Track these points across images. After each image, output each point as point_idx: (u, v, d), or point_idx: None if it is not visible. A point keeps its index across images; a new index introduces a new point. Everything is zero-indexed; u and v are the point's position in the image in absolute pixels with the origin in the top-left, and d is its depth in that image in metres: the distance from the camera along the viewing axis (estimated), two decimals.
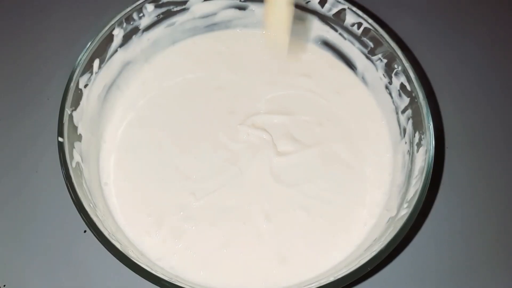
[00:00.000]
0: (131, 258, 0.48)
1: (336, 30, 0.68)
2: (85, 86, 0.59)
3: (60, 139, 0.53)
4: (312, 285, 0.49)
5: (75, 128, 0.56)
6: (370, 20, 0.63)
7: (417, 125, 0.59)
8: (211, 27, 0.71)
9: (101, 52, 0.61)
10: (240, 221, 0.58)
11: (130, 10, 0.62)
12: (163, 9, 0.66)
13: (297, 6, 0.68)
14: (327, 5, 0.66)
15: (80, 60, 0.57)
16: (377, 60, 0.65)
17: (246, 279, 0.55)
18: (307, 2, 0.67)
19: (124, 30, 0.63)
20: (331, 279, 0.48)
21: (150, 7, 0.64)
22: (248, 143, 0.63)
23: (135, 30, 0.65)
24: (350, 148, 0.64)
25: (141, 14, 0.64)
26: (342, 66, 0.70)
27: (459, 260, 0.63)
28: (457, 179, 0.68)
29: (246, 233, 0.57)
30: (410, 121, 0.61)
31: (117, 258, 0.48)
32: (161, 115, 0.65)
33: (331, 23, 0.68)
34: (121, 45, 0.64)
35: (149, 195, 0.59)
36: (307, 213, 0.59)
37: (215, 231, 0.57)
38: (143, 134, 0.63)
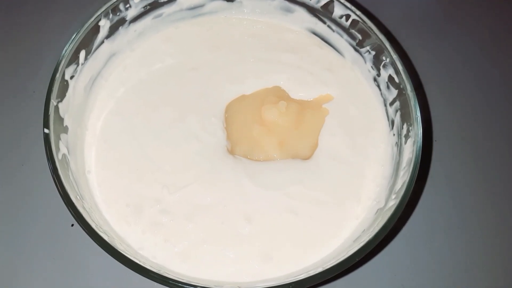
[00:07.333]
0: (119, 250, 0.48)
1: (324, 22, 0.68)
2: (71, 77, 0.58)
3: (46, 131, 0.52)
4: (301, 276, 0.49)
5: (61, 119, 0.56)
6: (358, 12, 0.63)
7: (405, 117, 0.59)
8: (197, 16, 0.71)
9: (87, 43, 0.60)
10: (217, 220, 0.56)
11: (117, 1, 0.62)
12: (150, 0, 0.65)
13: None
14: None
15: (66, 51, 0.57)
16: (365, 52, 0.65)
17: (230, 273, 0.54)
18: None
19: (111, 21, 0.62)
20: (320, 269, 0.48)
21: None
22: (219, 137, 0.62)
23: (122, 21, 0.64)
24: (347, 140, 0.63)
25: (128, 5, 0.63)
26: (332, 49, 0.70)
27: (446, 251, 0.63)
28: (445, 171, 0.68)
29: (225, 233, 0.56)
30: (398, 113, 0.61)
31: (105, 250, 0.48)
32: (138, 102, 0.64)
33: (319, 15, 0.68)
34: (107, 36, 0.63)
35: (126, 185, 0.58)
36: (295, 215, 0.57)
37: (193, 227, 0.56)
38: (121, 122, 0.62)
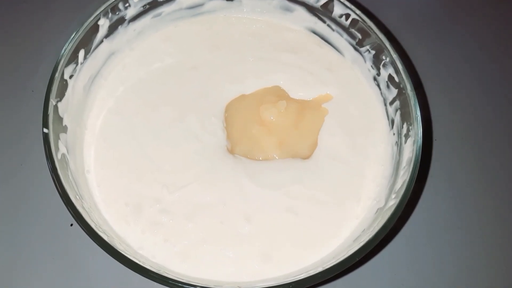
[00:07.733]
0: (119, 250, 0.48)
1: (324, 21, 0.68)
2: (70, 77, 0.58)
3: (45, 130, 0.52)
4: (301, 276, 0.49)
5: (60, 119, 0.56)
6: (358, 11, 0.63)
7: (405, 116, 0.59)
8: (197, 15, 0.71)
9: (87, 42, 0.60)
10: (217, 220, 0.56)
11: (116, 0, 0.62)
12: None
13: None
14: None
15: (65, 50, 0.57)
16: (365, 52, 0.65)
17: (230, 273, 0.54)
18: None
19: (110, 21, 0.62)
20: (320, 269, 0.48)
21: None
22: (219, 137, 0.62)
23: (121, 21, 0.64)
24: (346, 140, 0.62)
25: (127, 4, 0.63)
26: (331, 48, 0.70)
27: (446, 250, 0.63)
28: (445, 171, 0.68)
29: (225, 232, 0.56)
30: (398, 112, 0.61)
31: (105, 250, 0.48)
32: (137, 102, 0.63)
33: (319, 14, 0.67)
34: (106, 36, 0.63)
35: (126, 184, 0.58)
36: (295, 215, 0.57)
37: (192, 227, 0.56)
38: (120, 121, 0.62)
